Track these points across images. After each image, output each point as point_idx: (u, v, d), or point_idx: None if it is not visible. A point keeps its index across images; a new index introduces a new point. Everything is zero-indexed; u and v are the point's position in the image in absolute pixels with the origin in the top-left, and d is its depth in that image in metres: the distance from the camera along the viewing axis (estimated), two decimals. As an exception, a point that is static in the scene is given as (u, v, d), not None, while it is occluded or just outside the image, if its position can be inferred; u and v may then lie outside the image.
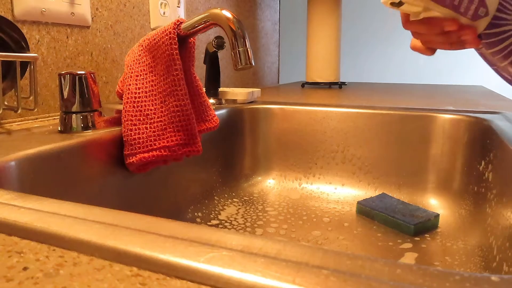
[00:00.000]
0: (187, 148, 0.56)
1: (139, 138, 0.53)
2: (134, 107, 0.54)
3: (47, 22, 0.62)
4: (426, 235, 0.64)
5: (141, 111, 0.54)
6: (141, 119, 0.54)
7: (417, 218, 0.65)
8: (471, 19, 0.35)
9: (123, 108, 0.54)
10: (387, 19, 2.53)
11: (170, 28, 0.54)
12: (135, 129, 0.53)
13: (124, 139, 0.53)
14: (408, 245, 0.61)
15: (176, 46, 0.53)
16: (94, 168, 0.50)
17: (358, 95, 1.09)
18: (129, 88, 0.54)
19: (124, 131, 0.53)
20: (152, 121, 0.54)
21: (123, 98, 0.55)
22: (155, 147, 0.53)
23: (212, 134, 0.77)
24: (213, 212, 0.72)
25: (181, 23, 0.54)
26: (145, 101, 0.54)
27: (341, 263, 0.19)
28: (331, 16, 1.27)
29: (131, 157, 0.53)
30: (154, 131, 0.54)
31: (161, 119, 0.54)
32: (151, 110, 0.54)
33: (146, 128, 0.54)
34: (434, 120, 0.73)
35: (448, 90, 1.27)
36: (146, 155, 0.53)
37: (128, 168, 0.54)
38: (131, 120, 0.53)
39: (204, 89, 0.60)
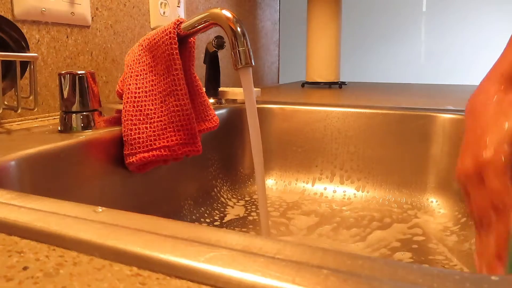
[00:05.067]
0: (187, 147, 0.56)
1: (139, 137, 0.53)
2: (134, 106, 0.54)
3: (47, 21, 0.62)
4: (425, 234, 0.64)
5: (141, 110, 0.54)
6: (141, 118, 0.54)
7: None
8: None
9: (123, 107, 0.54)
10: (388, 19, 2.53)
11: (170, 27, 0.54)
12: (135, 129, 0.53)
13: (124, 139, 0.53)
14: (408, 245, 0.61)
15: (176, 46, 0.53)
16: (94, 168, 0.50)
17: (358, 95, 1.09)
18: (129, 88, 0.54)
19: (124, 130, 0.53)
20: (152, 120, 0.54)
21: (123, 98, 0.55)
22: (155, 146, 0.53)
23: (212, 133, 0.76)
24: (213, 212, 0.72)
25: (181, 22, 0.54)
26: (145, 100, 0.54)
27: (341, 263, 0.19)
28: (331, 15, 1.27)
29: (131, 157, 0.53)
30: (154, 131, 0.54)
31: (161, 118, 0.54)
32: (151, 109, 0.54)
33: (146, 127, 0.54)
34: (434, 120, 0.73)
35: (449, 90, 1.27)
36: (146, 154, 0.53)
37: (128, 168, 0.54)
38: (131, 120, 0.53)
39: (204, 89, 0.60)
